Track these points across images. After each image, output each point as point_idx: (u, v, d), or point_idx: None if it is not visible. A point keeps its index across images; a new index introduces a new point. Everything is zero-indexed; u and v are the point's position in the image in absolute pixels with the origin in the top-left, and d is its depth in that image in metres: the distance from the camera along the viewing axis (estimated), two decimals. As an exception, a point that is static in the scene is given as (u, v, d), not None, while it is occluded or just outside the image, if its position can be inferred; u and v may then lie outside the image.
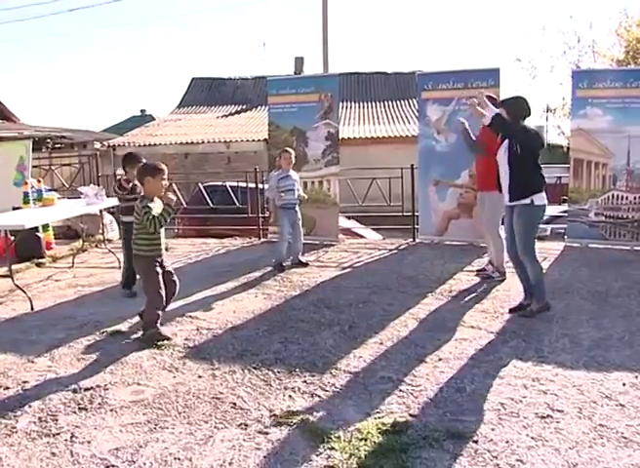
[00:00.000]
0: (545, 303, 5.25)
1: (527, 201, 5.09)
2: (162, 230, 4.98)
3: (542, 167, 5.21)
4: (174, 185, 9.97)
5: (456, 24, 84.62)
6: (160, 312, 4.94)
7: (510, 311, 5.37)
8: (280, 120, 9.43)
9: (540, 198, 5.13)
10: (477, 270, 6.89)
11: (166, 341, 4.81)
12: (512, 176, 5.14)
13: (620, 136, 8.05)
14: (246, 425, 3.44)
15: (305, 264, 7.61)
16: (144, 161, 5.82)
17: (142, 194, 5.01)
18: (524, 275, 5.34)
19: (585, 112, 8.27)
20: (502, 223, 5.86)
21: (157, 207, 4.85)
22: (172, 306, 5.36)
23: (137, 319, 5.39)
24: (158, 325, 4.93)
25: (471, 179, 7.99)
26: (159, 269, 4.98)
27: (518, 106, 5.17)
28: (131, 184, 6.17)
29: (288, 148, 7.77)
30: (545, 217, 10.83)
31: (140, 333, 4.99)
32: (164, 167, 4.96)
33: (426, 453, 3.06)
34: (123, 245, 6.44)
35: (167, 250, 6.23)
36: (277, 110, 9.51)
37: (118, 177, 6.66)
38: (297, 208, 7.62)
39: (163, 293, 4.94)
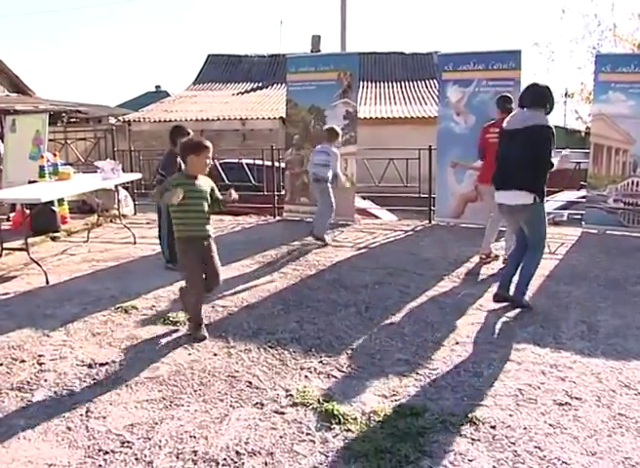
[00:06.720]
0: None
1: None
2: (204, 210, 4.53)
3: (558, 151, 4.96)
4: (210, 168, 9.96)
5: (473, 6, 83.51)
6: (199, 304, 4.53)
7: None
8: (298, 98, 9.36)
9: None
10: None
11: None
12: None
13: (641, 122, 7.91)
14: (262, 404, 3.42)
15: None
16: (189, 134, 5.96)
17: (183, 170, 4.61)
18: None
19: (607, 97, 8.14)
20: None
21: (203, 184, 4.45)
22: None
23: (152, 295, 5.40)
24: (202, 317, 4.57)
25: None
26: (196, 254, 4.45)
27: (552, 103, 4.81)
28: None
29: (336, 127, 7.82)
30: (563, 203, 10.84)
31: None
32: (209, 144, 4.42)
33: (444, 438, 3.04)
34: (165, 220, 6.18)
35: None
36: (296, 88, 9.44)
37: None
38: (322, 181, 7.58)
39: (199, 279, 4.48)
